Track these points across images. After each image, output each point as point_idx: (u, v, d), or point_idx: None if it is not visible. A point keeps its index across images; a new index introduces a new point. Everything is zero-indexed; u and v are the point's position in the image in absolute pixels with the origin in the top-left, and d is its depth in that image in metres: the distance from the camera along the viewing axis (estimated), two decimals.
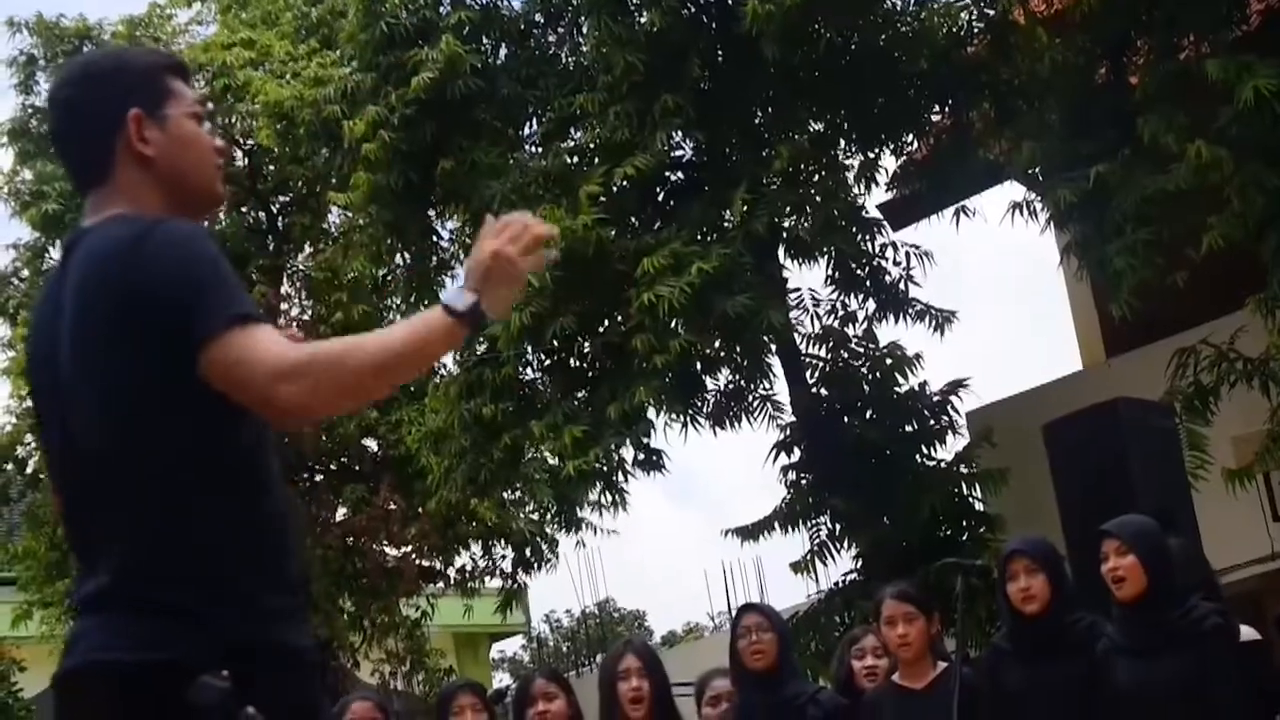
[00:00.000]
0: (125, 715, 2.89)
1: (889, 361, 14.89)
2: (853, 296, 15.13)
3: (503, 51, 15.55)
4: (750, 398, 15.17)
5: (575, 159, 14.67)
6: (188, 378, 3.00)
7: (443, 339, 3.12)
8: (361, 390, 3.09)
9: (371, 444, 20.64)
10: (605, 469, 13.92)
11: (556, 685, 7.47)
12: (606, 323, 14.41)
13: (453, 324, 3.09)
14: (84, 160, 3.28)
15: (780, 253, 14.86)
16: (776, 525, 15.00)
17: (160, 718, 2.85)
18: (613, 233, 13.70)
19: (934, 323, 14.85)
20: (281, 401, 2.96)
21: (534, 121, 15.47)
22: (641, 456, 14.51)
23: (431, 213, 15.98)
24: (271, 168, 22.04)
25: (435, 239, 16.53)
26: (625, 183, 13.75)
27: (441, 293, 3.02)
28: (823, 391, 15.11)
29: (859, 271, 14.99)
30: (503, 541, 19.65)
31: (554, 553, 17.39)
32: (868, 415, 14.91)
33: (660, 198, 14.75)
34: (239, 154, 22.36)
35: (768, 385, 15.13)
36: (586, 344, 14.76)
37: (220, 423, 3.05)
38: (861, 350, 15.07)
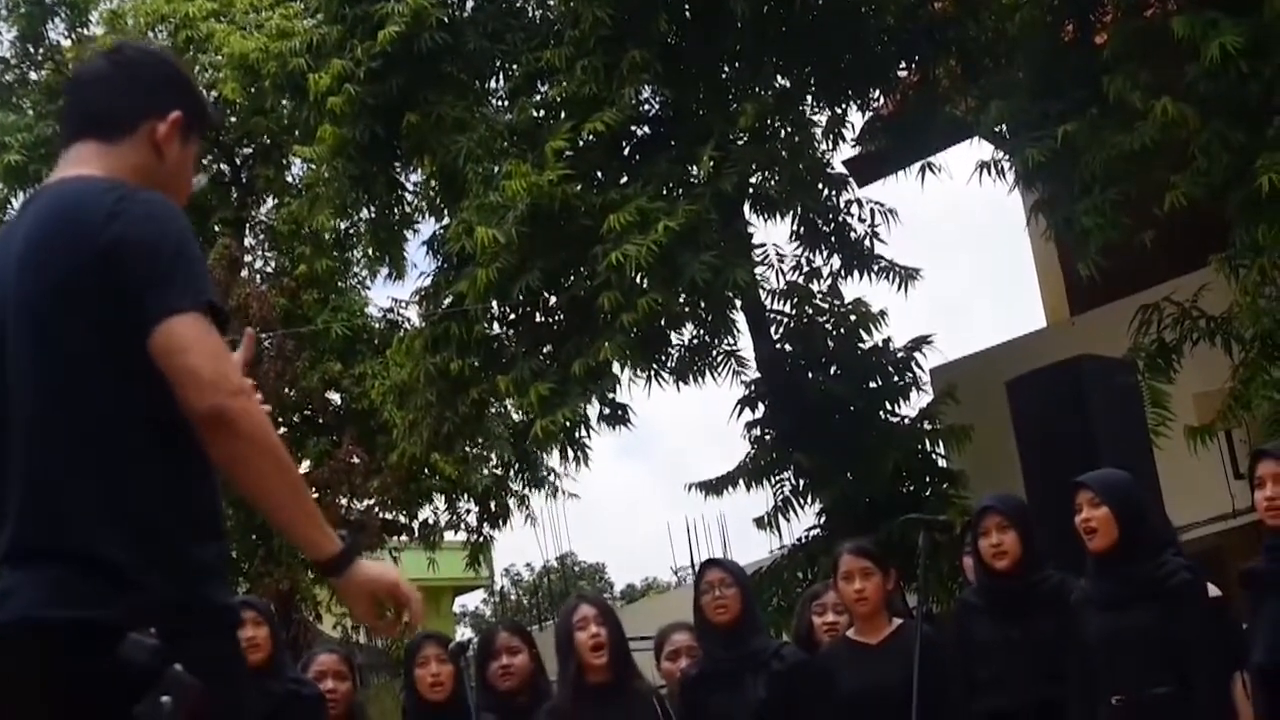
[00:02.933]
0: (57, 672, 2.91)
1: (853, 318, 14.93)
2: (818, 253, 15.15)
3: (469, 5, 15.49)
4: (715, 353, 15.18)
5: (542, 113, 14.63)
6: (141, 340, 3.03)
7: (316, 532, 3.13)
8: (265, 453, 3.06)
9: (335, 397, 20.61)
10: (570, 424, 13.90)
11: (519, 639, 7.48)
12: (572, 278, 14.38)
13: (330, 544, 3.14)
14: (112, 110, 3.35)
15: (746, 209, 14.85)
16: (741, 480, 15.04)
17: (91, 675, 2.88)
18: (578, 188, 13.67)
19: (898, 279, 14.88)
20: (222, 400, 2.99)
21: (500, 76, 15.43)
22: (607, 411, 14.52)
23: (397, 166, 15.93)
24: (235, 120, 21.92)
25: (400, 192, 16.49)
26: (592, 138, 13.72)
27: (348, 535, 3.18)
28: (787, 347, 15.13)
29: (824, 228, 15.01)
30: (465, 495, 19.65)
31: (522, 507, 17.42)
32: (832, 371, 14.95)
33: (626, 152, 14.72)
34: None
35: (732, 341, 15.17)
36: (552, 299, 14.74)
37: (167, 383, 3.06)
38: (826, 306, 15.10)
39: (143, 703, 2.82)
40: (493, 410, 15.36)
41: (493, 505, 18.04)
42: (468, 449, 16.55)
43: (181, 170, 3.39)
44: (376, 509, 19.62)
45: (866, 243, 15.02)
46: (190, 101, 3.43)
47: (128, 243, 3.04)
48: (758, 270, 14.71)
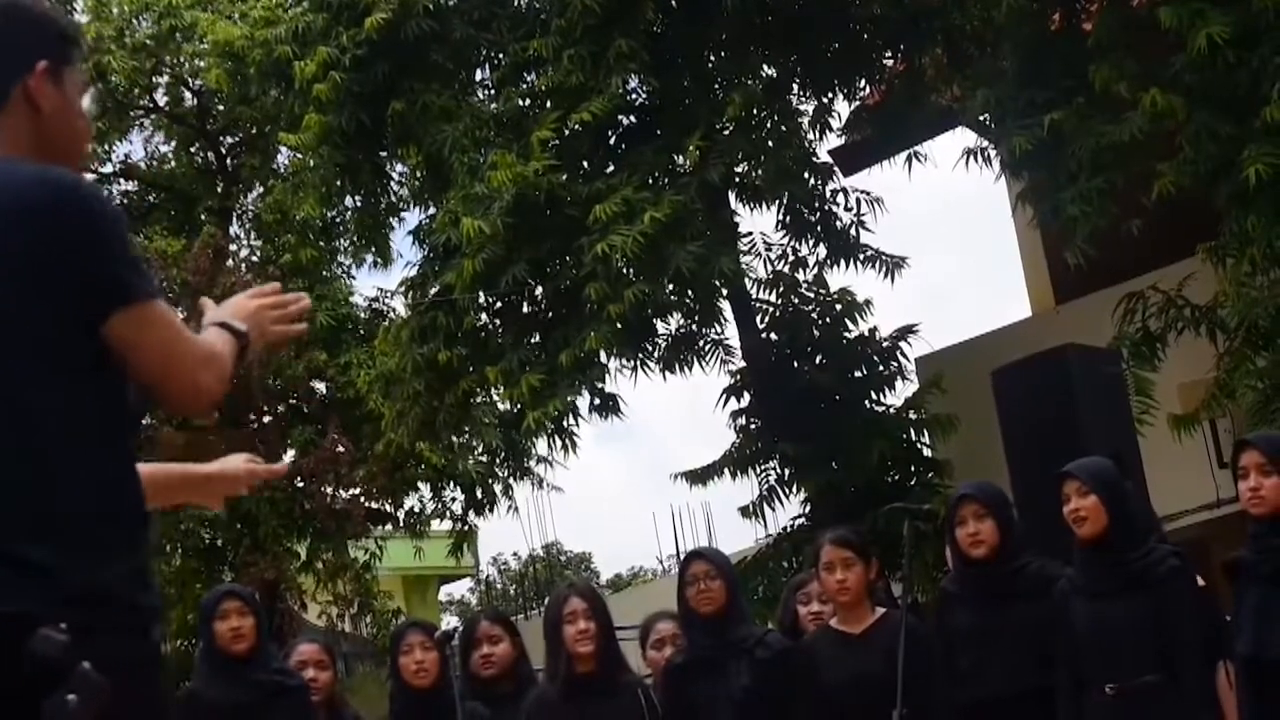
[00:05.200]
0: None
1: (839, 307, 14.95)
2: (804, 242, 15.15)
3: None
4: (701, 342, 15.17)
5: (528, 103, 14.61)
6: (81, 335, 2.96)
7: (236, 354, 3.33)
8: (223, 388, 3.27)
9: (320, 386, 20.58)
10: (559, 414, 13.88)
11: (501, 627, 7.53)
12: (558, 268, 14.36)
13: (239, 346, 3.33)
14: None
15: (731, 198, 14.85)
16: (726, 469, 15.04)
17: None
18: (564, 178, 13.66)
19: (884, 268, 14.88)
20: (202, 387, 3.14)
21: (487, 65, 15.40)
22: (596, 402, 14.51)
23: (383, 154, 15.89)
24: (220, 108, 21.89)
25: (386, 181, 16.46)
26: (578, 127, 13.70)
27: (210, 314, 3.33)
28: (773, 337, 15.14)
29: (810, 217, 15.00)
30: (451, 484, 19.64)
31: (509, 495, 17.40)
32: (818, 360, 14.96)
33: (612, 142, 14.70)
34: (187, 94, 22.20)
35: (719, 329, 15.17)
36: (539, 290, 14.72)
37: (100, 378, 3.00)
38: (812, 296, 15.11)
39: (49, 700, 2.71)
40: (478, 400, 15.34)
41: (478, 494, 18.03)
42: (454, 438, 16.52)
43: (66, 108, 3.25)
44: (362, 498, 19.61)
45: (852, 232, 15.03)
46: (51, 39, 3.26)
47: (77, 237, 2.96)
48: (744, 259, 14.71)
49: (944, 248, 69.02)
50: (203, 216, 21.57)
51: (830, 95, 15.32)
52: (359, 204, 16.66)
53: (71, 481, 2.93)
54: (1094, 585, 6.62)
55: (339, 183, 15.76)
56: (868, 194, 15.12)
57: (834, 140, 15.82)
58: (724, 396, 15.26)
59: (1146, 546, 6.61)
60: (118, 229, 3.06)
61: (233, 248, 21.12)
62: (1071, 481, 6.70)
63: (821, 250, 15.12)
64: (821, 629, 7.41)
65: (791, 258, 15.22)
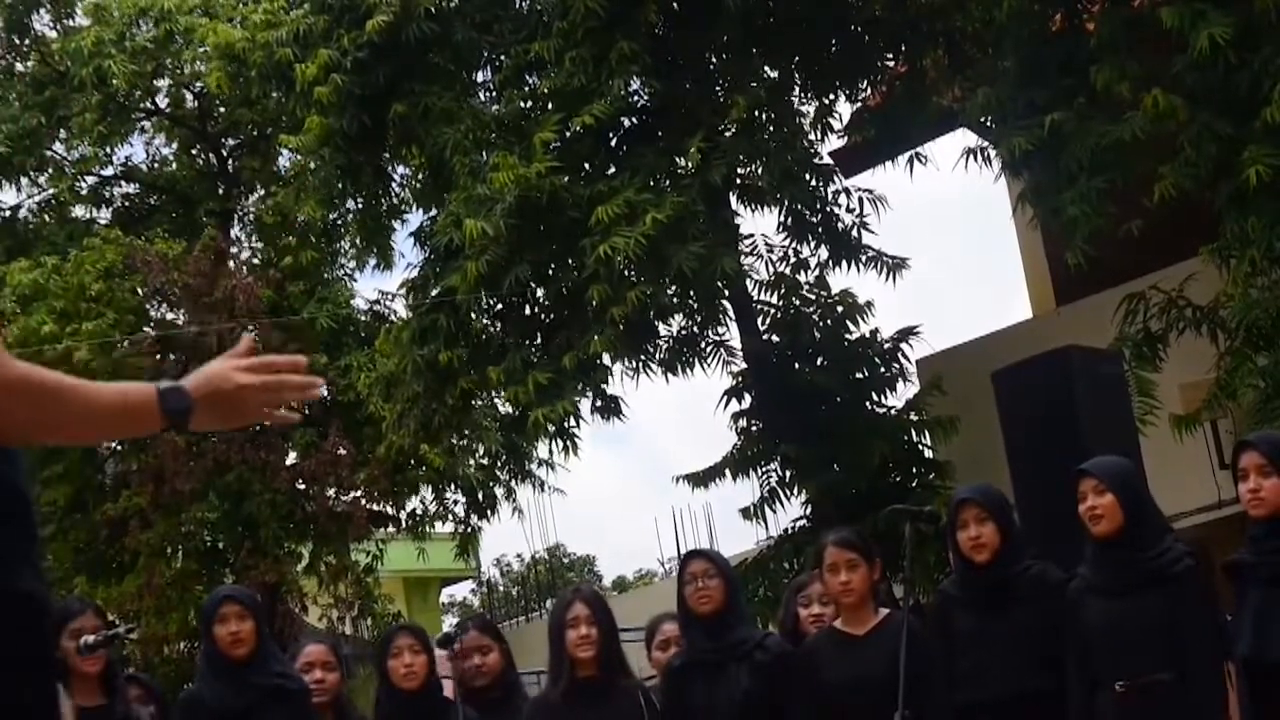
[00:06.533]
0: None
1: (840, 309, 14.94)
2: (805, 243, 15.14)
3: None
4: (703, 344, 15.17)
5: (529, 105, 14.60)
6: None
7: (142, 422, 2.94)
8: (53, 433, 2.89)
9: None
10: (564, 414, 13.88)
11: (488, 636, 7.56)
12: (561, 269, 14.35)
13: (158, 414, 2.92)
14: None
15: (733, 199, 14.85)
16: (727, 471, 15.03)
17: None
18: (566, 180, 13.65)
19: (885, 270, 14.87)
20: None
21: (489, 67, 15.40)
22: (599, 404, 14.51)
23: (384, 156, 15.89)
24: (221, 110, 21.90)
25: (387, 183, 16.45)
26: (580, 129, 13.69)
27: (162, 383, 2.94)
28: (774, 338, 15.13)
29: (812, 218, 15.00)
30: (453, 486, 19.65)
31: (510, 499, 17.41)
32: (819, 362, 14.95)
33: (613, 143, 14.70)
34: (189, 97, 22.21)
35: (721, 331, 15.17)
36: (540, 291, 14.72)
37: None
38: (813, 297, 15.10)
39: None
40: (479, 402, 15.33)
41: (480, 496, 18.04)
42: (455, 440, 16.52)
43: None
44: (363, 500, 19.61)
45: (854, 233, 15.02)
46: None
47: None
48: (745, 261, 14.71)
49: (945, 249, 69.04)
50: (204, 219, 21.57)
51: (831, 97, 15.33)
52: (360, 206, 16.66)
53: None
54: (1108, 583, 6.59)
55: (340, 185, 15.76)
56: (870, 192, 15.14)
57: (835, 142, 15.84)
58: (725, 398, 15.26)
59: (1163, 545, 6.60)
60: None
61: (234, 250, 21.14)
62: (1089, 480, 6.67)
63: (823, 252, 15.13)
64: (825, 630, 7.39)
65: (793, 259, 15.23)
